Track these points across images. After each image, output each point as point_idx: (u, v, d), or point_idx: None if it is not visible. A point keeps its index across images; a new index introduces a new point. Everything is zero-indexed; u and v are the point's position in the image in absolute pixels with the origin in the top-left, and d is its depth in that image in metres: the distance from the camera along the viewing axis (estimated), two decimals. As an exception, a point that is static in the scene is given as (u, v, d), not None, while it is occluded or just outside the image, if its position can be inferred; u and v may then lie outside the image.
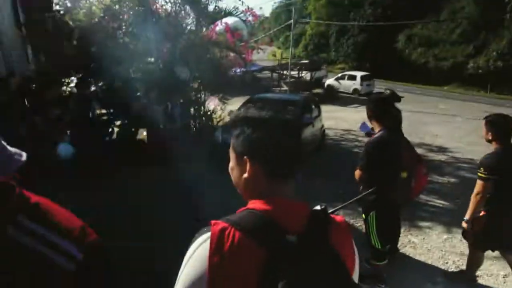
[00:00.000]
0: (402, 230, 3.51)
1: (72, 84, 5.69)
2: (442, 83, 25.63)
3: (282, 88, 19.51)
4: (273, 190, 0.79)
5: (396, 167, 2.68)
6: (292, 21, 18.93)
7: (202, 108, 7.84)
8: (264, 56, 31.60)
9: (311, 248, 0.70)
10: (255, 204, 0.77)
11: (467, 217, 2.61)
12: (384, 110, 2.68)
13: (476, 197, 2.53)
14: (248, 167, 0.79)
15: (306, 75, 20.43)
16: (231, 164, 0.86)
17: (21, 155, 0.75)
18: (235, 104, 7.40)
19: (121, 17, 6.04)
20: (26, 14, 5.32)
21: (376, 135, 2.67)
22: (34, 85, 4.90)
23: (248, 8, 7.78)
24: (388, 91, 2.78)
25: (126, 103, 6.16)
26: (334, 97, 18.32)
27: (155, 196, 4.54)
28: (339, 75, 22.11)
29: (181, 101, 7.19)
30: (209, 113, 7.92)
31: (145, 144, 6.91)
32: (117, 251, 2.84)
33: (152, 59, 6.83)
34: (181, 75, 6.41)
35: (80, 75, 5.80)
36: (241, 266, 0.67)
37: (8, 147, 0.73)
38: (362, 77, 20.37)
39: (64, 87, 5.60)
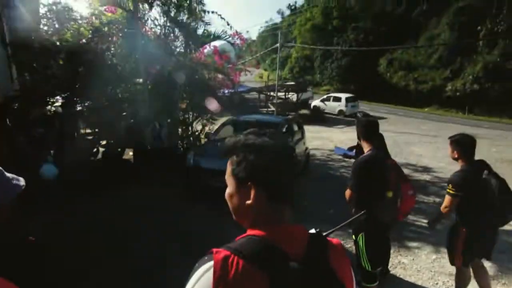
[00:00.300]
0: (392, 251, 3.50)
1: (58, 104, 5.59)
2: (422, 105, 26.68)
3: (270, 109, 19.76)
4: (275, 215, 0.79)
5: (383, 187, 2.71)
6: (278, 44, 19.45)
7: (190, 128, 7.83)
8: (251, 77, 32.16)
9: (313, 273, 0.71)
10: (255, 230, 0.76)
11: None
12: (373, 131, 2.75)
13: (444, 210, 2.70)
14: (252, 193, 0.78)
15: (293, 96, 20.83)
16: (230, 190, 0.84)
17: (18, 180, 0.72)
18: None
19: (110, 38, 6.08)
20: (12, 33, 5.27)
21: (364, 155, 2.72)
22: (16, 104, 4.80)
23: (236, 32, 7.99)
24: (361, 113, 2.88)
25: (113, 122, 6.08)
26: (320, 118, 18.69)
27: (141, 216, 4.42)
28: (325, 96, 22.69)
29: (169, 121, 7.17)
30: (197, 133, 7.90)
31: (131, 164, 6.80)
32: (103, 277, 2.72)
33: (141, 80, 6.85)
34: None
35: (66, 94, 5.71)
36: None
37: (6, 173, 0.71)
38: (347, 99, 20.95)
39: (49, 106, 5.49)
